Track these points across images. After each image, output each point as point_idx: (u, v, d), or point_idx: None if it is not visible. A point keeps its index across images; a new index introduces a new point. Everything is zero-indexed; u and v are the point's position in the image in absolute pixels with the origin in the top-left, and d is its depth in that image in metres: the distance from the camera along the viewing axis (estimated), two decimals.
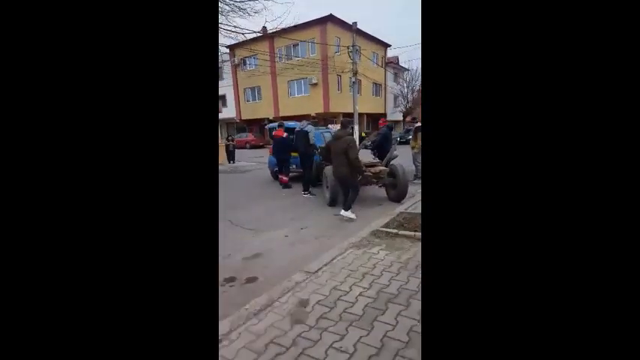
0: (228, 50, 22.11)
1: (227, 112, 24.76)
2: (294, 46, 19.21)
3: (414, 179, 6.33)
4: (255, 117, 23.05)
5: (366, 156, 5.81)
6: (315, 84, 18.87)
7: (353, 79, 15.36)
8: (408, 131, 15.16)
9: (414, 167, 6.64)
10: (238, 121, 24.41)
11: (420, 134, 6.32)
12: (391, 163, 5.25)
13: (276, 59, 19.72)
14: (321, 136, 7.01)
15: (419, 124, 6.59)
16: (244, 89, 23.37)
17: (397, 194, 5.10)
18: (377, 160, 5.71)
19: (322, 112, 18.75)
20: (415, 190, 5.36)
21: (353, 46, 15.82)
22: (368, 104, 21.98)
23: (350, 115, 19.18)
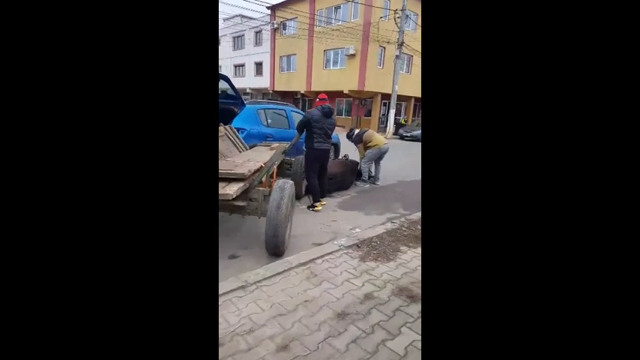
0: (269, 12, 20.61)
1: (261, 82, 23.50)
2: (337, 8, 16.96)
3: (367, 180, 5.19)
4: (288, 89, 21.53)
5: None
6: (353, 55, 16.58)
7: (397, 52, 12.94)
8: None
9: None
10: (271, 92, 23.07)
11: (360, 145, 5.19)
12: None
13: (316, 23, 17.64)
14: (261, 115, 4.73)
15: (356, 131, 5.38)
16: (280, 57, 21.78)
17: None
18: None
19: (356, 89, 16.53)
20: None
21: (402, 10, 13.22)
22: (419, 87, 19.17)
23: (388, 97, 16.90)
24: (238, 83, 26.07)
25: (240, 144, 3.65)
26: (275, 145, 3.78)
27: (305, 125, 3.57)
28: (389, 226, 2.93)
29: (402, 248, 2.41)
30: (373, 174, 5.22)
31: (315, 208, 3.59)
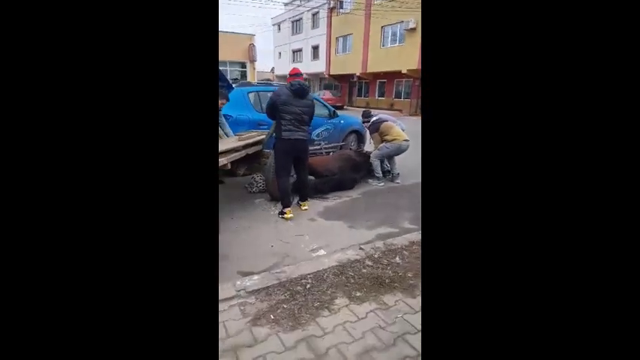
0: None
1: (317, 66, 22.85)
2: None
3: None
4: (343, 72, 20.45)
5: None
6: (413, 29, 14.60)
7: None
8: None
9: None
10: (327, 76, 22.28)
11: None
12: None
13: None
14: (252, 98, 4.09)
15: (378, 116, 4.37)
16: (336, 38, 20.71)
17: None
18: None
19: (416, 68, 14.61)
20: None
21: None
22: None
23: None
24: None
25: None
26: (246, 134, 3.11)
27: (272, 109, 2.81)
28: (360, 253, 2.05)
29: (336, 302, 1.54)
30: (389, 167, 4.18)
31: (284, 215, 2.85)
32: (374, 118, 4.17)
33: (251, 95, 4.12)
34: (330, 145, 4.69)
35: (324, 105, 5.01)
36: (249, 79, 13.96)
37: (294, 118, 2.76)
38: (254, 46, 14.03)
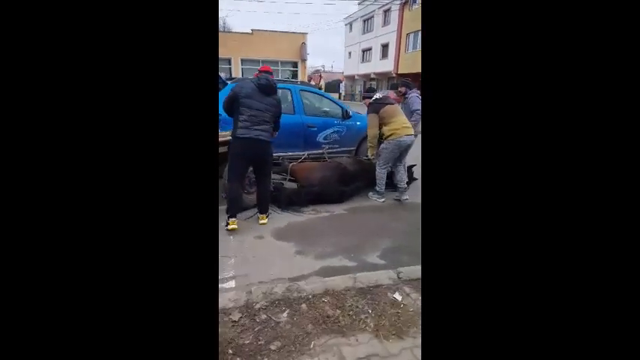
0: None
1: (385, 65, 21.79)
2: None
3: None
4: (412, 70, 18.99)
5: None
6: None
7: None
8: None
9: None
10: (394, 75, 21.03)
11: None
12: None
13: None
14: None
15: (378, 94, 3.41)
16: (407, 35, 19.36)
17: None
18: None
19: None
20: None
21: None
22: None
23: None
24: (364, 69, 25.22)
25: None
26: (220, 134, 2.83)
27: (230, 103, 2.45)
28: (254, 296, 1.55)
29: None
30: (400, 180, 3.27)
31: (227, 227, 2.46)
32: (377, 95, 3.27)
33: None
34: (337, 150, 4.12)
35: (336, 103, 4.45)
36: (300, 78, 13.94)
37: (253, 115, 2.38)
38: (305, 44, 13.91)
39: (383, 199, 3.31)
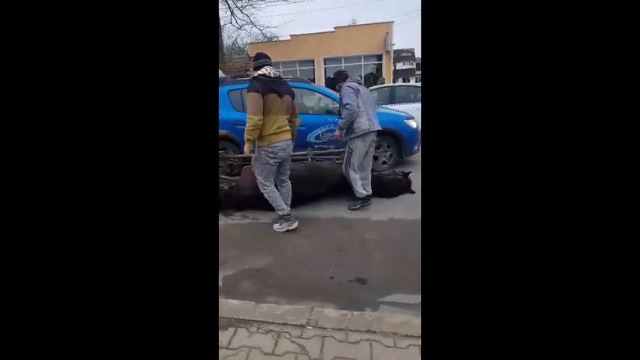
0: None
1: None
2: None
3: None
4: None
5: None
6: None
7: None
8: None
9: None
10: None
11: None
12: None
13: None
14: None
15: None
16: None
17: None
18: None
19: None
20: None
21: None
22: None
23: None
24: None
25: None
26: None
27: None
28: None
29: None
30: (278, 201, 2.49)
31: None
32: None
33: (233, 93, 3.94)
34: (327, 152, 3.76)
35: (329, 96, 4.05)
36: (384, 75, 12.90)
37: None
38: (389, 35, 12.73)
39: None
